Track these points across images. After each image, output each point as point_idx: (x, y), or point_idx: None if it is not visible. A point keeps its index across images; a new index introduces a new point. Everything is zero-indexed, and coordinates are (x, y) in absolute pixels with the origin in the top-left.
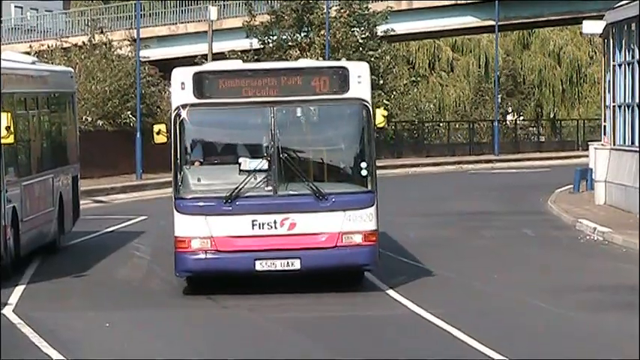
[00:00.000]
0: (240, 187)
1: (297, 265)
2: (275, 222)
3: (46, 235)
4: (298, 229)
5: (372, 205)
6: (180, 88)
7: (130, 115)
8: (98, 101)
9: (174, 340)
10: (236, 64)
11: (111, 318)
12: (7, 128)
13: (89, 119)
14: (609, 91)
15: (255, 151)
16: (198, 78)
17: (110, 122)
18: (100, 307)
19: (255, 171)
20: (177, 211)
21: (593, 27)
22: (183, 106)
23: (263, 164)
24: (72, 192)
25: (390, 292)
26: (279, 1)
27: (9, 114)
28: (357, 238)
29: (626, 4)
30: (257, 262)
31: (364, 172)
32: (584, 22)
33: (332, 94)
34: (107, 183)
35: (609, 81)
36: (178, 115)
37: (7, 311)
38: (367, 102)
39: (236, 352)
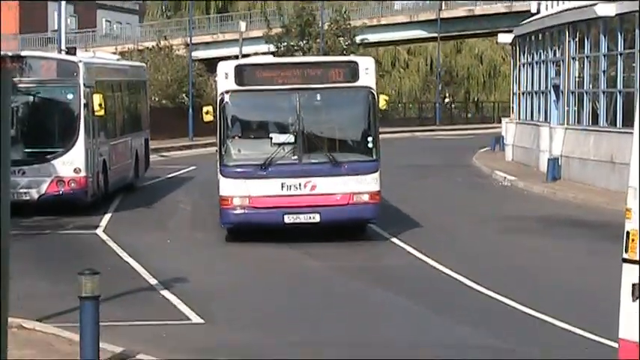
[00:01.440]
0: (272, 156)
1: (317, 218)
2: (300, 184)
3: (126, 178)
4: (318, 190)
5: (377, 171)
6: (225, 78)
7: (185, 97)
8: (162, 87)
9: (217, 250)
10: (268, 59)
11: (171, 236)
12: (100, 105)
13: (156, 99)
14: (516, 83)
15: (283, 128)
16: (238, 69)
17: (170, 101)
18: (163, 229)
19: (283, 144)
20: (222, 175)
21: (505, 38)
22: (227, 92)
23: (290, 138)
24: (144, 149)
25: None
26: (289, 18)
27: (101, 95)
28: (365, 197)
29: (527, 22)
30: (285, 216)
31: (370, 145)
32: (499, 34)
33: (345, 83)
34: (168, 143)
35: (516, 76)
36: (222, 99)
37: (99, 231)
38: (373, 89)
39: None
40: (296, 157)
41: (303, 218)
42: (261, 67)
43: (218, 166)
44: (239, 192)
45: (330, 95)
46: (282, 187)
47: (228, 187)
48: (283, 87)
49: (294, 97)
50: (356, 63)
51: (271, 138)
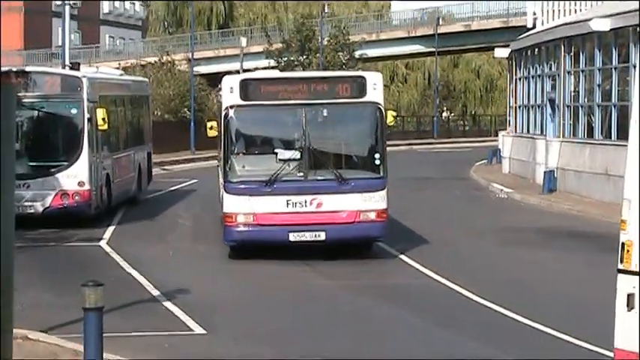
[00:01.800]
0: (277, 172)
1: (322, 236)
2: (305, 201)
3: (129, 191)
4: (324, 208)
5: (384, 189)
6: (229, 92)
7: (187, 111)
8: (165, 101)
9: (219, 263)
10: (274, 73)
11: (173, 249)
12: (103, 119)
13: (159, 113)
14: (512, 96)
15: (289, 144)
16: (244, 84)
17: (173, 116)
18: (165, 242)
19: (289, 160)
20: (226, 191)
21: (501, 52)
22: (231, 107)
23: (296, 154)
24: (147, 163)
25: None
26: (289, 33)
27: (104, 109)
28: (372, 215)
29: (523, 37)
30: (290, 234)
31: (377, 162)
32: (495, 49)
33: (352, 98)
34: (171, 157)
35: (512, 89)
36: (227, 113)
37: (103, 244)
38: (380, 105)
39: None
40: (302, 173)
41: (308, 236)
42: (266, 81)
43: (222, 182)
44: (243, 209)
45: (337, 111)
46: (288, 204)
47: (233, 203)
48: (289, 102)
49: (300, 113)
50: (364, 78)
51: (276, 154)
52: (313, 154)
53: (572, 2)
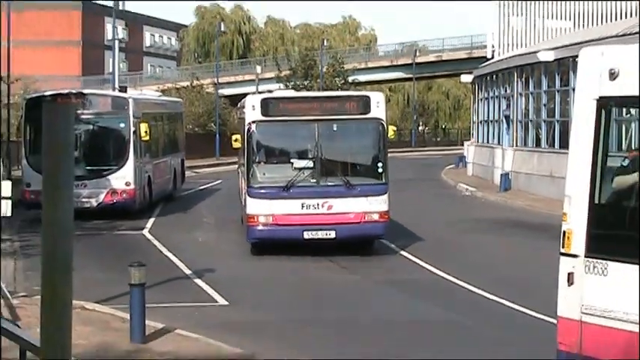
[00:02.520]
0: (294, 179)
1: (333, 235)
2: (318, 204)
3: (166, 190)
4: (334, 210)
5: (386, 193)
6: (252, 109)
7: (213, 125)
8: (195, 117)
9: (242, 247)
10: (290, 93)
11: (203, 236)
12: (145, 132)
13: (190, 127)
14: (475, 113)
15: (303, 154)
16: (264, 102)
17: (201, 129)
18: (196, 230)
19: (303, 168)
20: (249, 196)
21: (466, 78)
22: (253, 122)
23: (309, 163)
24: (180, 167)
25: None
26: (295, 62)
27: (146, 124)
28: (375, 216)
29: (484, 66)
30: (305, 233)
31: (380, 170)
32: (461, 75)
33: (358, 115)
34: (200, 162)
35: (475, 108)
36: (250, 128)
37: (145, 232)
38: (383, 120)
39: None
40: (314, 180)
41: (320, 234)
42: (284, 100)
43: (245, 187)
44: (264, 211)
45: (345, 126)
46: (302, 206)
47: (255, 206)
48: (304, 118)
49: (313, 127)
50: (368, 97)
51: (292, 163)
52: (324, 163)
53: (523, 37)
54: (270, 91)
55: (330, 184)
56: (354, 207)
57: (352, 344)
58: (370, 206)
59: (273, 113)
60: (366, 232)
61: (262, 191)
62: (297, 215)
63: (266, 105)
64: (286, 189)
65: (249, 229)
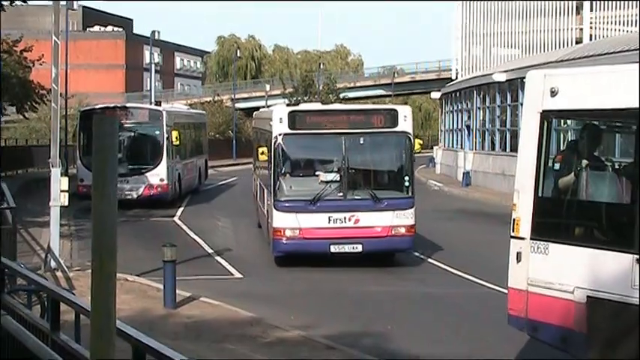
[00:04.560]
0: (320, 193)
1: (359, 248)
2: (345, 218)
3: (192, 185)
4: (361, 223)
5: (413, 207)
6: (279, 122)
7: (230, 133)
8: (216, 126)
9: (251, 230)
10: (317, 106)
11: (223, 222)
12: (176, 138)
13: (212, 134)
14: (442, 123)
15: (330, 167)
16: (291, 115)
17: (221, 136)
18: (218, 216)
19: (330, 181)
20: (275, 209)
21: (435, 95)
22: (280, 135)
23: (336, 176)
24: (204, 166)
25: None
26: (297, 81)
27: (177, 131)
28: (402, 230)
29: (449, 85)
30: (331, 246)
31: (407, 184)
32: (431, 92)
33: (386, 128)
34: (219, 162)
35: (442, 119)
36: (276, 140)
37: (176, 218)
38: (410, 134)
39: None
40: (341, 193)
41: (347, 248)
42: (311, 112)
43: (272, 201)
44: (290, 224)
45: (372, 139)
46: (329, 220)
47: (281, 219)
48: (331, 131)
49: (340, 140)
50: (396, 111)
51: (319, 176)
52: (351, 176)
53: (481, 63)
54: (297, 103)
55: (357, 197)
56: (380, 221)
57: (344, 310)
58: (397, 220)
59: (300, 126)
60: (392, 245)
61: (289, 204)
62: (324, 229)
63: (293, 118)
64: (313, 202)
65: (275, 242)
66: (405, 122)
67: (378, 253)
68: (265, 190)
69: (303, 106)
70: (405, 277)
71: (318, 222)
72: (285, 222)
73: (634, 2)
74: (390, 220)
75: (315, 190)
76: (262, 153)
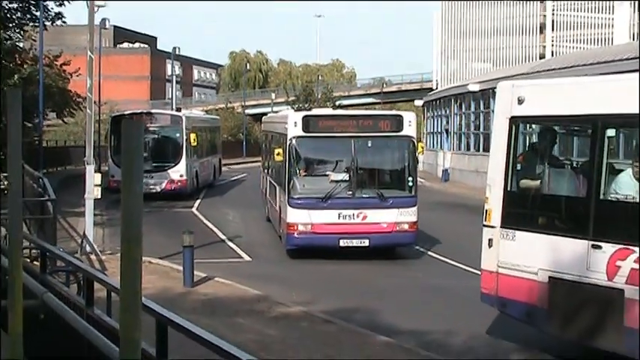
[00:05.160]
0: (331, 191)
1: (367, 243)
2: (353, 214)
3: (208, 180)
4: (368, 220)
5: (415, 205)
6: (294, 125)
7: (241, 135)
8: (228, 129)
9: (259, 219)
10: (329, 111)
11: (234, 214)
12: (194, 139)
13: (225, 136)
14: (424, 127)
15: (340, 168)
16: (305, 119)
17: (232, 138)
18: (229, 208)
19: (340, 181)
20: (289, 205)
21: (418, 102)
22: (294, 137)
23: (345, 176)
24: (218, 164)
25: None
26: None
27: (195, 134)
28: (406, 226)
29: (430, 94)
30: (341, 241)
31: (410, 184)
32: (415, 100)
33: (392, 132)
34: (231, 160)
35: (425, 123)
36: (291, 143)
37: (194, 209)
38: (414, 138)
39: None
40: (350, 192)
41: (355, 243)
42: (324, 117)
43: (286, 198)
44: (303, 220)
45: (379, 142)
46: (339, 216)
47: (294, 215)
48: (341, 134)
49: (349, 143)
50: (401, 117)
51: (330, 176)
52: (359, 176)
53: (458, 75)
54: (299, 109)
55: (364, 196)
56: (386, 218)
57: (340, 289)
58: (401, 217)
59: (313, 129)
60: (397, 240)
61: (302, 202)
62: (334, 225)
63: (307, 122)
64: (324, 200)
65: (288, 236)
66: (410, 127)
67: (383, 247)
68: (277, 188)
69: (315, 112)
70: (400, 264)
71: (329, 218)
72: (298, 218)
73: (590, 22)
74: (395, 217)
75: (326, 189)
76: (278, 154)
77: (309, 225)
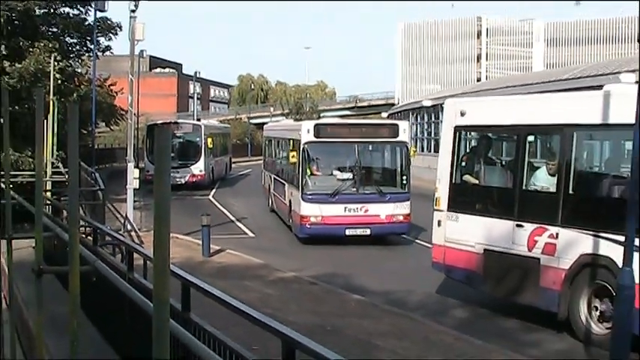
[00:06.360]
0: (338, 188)
1: (368, 232)
2: (357, 208)
3: (221, 174)
4: (369, 212)
5: (409, 200)
6: (307, 132)
7: (246, 139)
8: (237, 135)
9: (262, 205)
10: (336, 120)
11: (241, 199)
12: (211, 143)
13: (234, 140)
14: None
15: (346, 168)
16: (317, 127)
17: (240, 141)
18: (239, 197)
19: (346, 179)
20: (303, 200)
21: (384, 114)
22: (307, 142)
23: (350, 175)
24: (229, 162)
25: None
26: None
27: (211, 138)
28: (401, 218)
29: (394, 108)
30: (346, 230)
31: (405, 182)
32: (382, 113)
33: (389, 138)
34: (239, 159)
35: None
36: (304, 147)
37: (210, 197)
38: (407, 143)
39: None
40: (354, 189)
41: (359, 232)
42: (332, 125)
43: (300, 194)
44: (315, 212)
45: (379, 147)
46: (345, 209)
47: (307, 208)
48: (347, 140)
49: (353, 147)
50: (397, 125)
51: (337, 175)
52: (362, 175)
53: (415, 93)
54: (321, 119)
55: (366, 192)
56: (384, 210)
57: (324, 260)
58: (397, 210)
59: (323, 135)
60: (393, 230)
61: (313, 197)
62: (341, 216)
63: (318, 129)
64: (332, 195)
65: (301, 226)
66: (404, 134)
67: (382, 235)
68: (287, 185)
69: (324, 120)
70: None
71: (336, 211)
72: (310, 211)
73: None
74: (391, 210)
75: (333, 186)
76: (293, 157)
77: (320, 217)
